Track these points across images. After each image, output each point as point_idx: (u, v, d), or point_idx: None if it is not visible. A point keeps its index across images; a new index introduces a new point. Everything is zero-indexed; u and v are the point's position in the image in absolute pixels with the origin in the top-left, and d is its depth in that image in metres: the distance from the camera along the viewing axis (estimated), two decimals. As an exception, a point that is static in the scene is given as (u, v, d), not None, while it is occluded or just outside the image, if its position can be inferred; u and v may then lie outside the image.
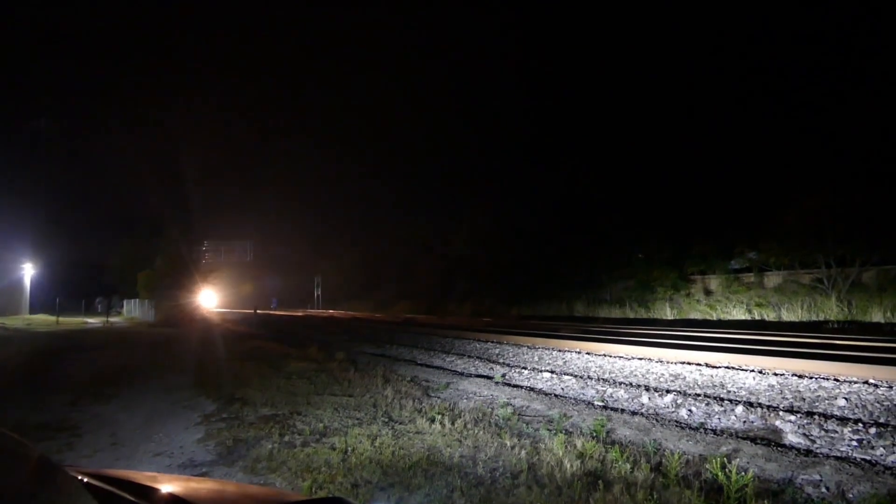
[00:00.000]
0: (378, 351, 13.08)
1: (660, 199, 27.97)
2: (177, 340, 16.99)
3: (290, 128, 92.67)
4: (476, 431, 5.02)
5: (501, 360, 10.59)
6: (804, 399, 6.36)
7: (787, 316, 17.75)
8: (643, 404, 6.59)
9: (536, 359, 10.58)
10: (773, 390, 6.84)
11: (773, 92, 30.30)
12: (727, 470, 3.60)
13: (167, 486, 1.52)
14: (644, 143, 34.10)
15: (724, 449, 4.56)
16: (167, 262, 29.92)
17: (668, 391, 6.98)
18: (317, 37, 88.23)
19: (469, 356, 11.31)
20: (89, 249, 44.46)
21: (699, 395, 6.76)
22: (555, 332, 14.71)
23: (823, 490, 3.73)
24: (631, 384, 7.64)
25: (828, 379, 7.04)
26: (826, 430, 5.04)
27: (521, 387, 7.91)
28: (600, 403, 6.67)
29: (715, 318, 19.59)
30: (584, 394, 7.38)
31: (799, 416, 5.49)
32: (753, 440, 4.83)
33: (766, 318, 18.18)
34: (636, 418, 5.71)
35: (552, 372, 8.87)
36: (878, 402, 5.98)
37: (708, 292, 22.72)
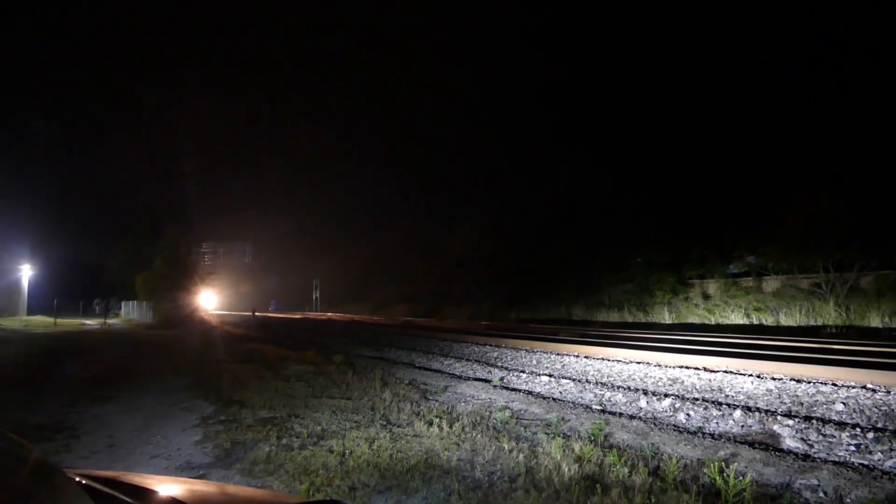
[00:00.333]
0: (376, 354, 13.07)
1: (658, 203, 28.01)
2: (175, 342, 16.97)
3: (289, 131, 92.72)
4: (474, 435, 5.01)
5: (500, 364, 10.58)
6: (802, 403, 6.36)
7: (785, 320, 17.76)
8: (641, 408, 6.59)
9: (535, 362, 10.58)
10: (771, 395, 6.85)
11: (771, 95, 30.38)
12: (725, 474, 3.60)
13: (164, 488, 1.52)
14: (643, 147, 34.18)
15: (722, 453, 4.56)
16: (166, 263, 29.90)
17: (666, 395, 6.98)
18: (316, 39, 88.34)
19: (467, 359, 11.30)
20: (87, 251, 44.39)
21: (697, 399, 6.76)
22: (553, 336, 14.71)
23: (821, 494, 3.73)
24: (629, 388, 7.65)
25: (826, 383, 7.05)
26: (824, 435, 5.05)
27: (520, 390, 7.90)
28: (598, 407, 6.67)
29: (713, 323, 19.59)
30: (582, 397, 7.37)
31: (797, 420, 5.49)
32: (751, 444, 4.83)
33: (765, 323, 18.18)
34: (634, 422, 5.71)
35: (550, 375, 8.87)
36: (875, 407, 5.98)
37: (706, 296, 22.72)
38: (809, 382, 7.15)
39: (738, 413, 5.89)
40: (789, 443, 4.96)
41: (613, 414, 6.23)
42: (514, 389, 7.97)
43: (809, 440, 4.97)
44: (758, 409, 6.05)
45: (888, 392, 6.46)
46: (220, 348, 14.56)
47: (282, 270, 66.29)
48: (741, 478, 3.61)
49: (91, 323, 29.00)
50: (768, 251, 20.35)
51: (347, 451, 4.48)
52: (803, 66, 29.59)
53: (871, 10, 27.34)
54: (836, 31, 28.54)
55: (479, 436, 4.98)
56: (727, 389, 7.35)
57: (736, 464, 4.26)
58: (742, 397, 6.88)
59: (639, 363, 9.61)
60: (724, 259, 23.07)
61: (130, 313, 34.31)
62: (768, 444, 4.92)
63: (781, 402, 6.48)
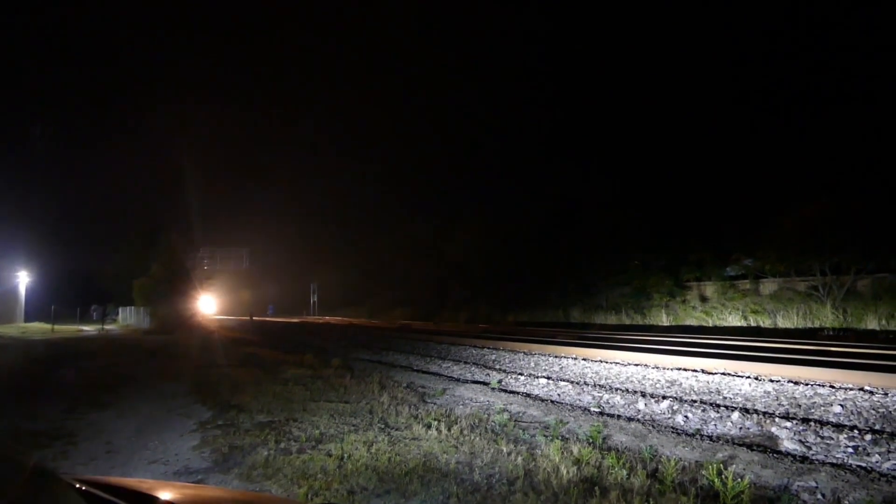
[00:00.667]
0: (374, 357, 13.05)
1: (656, 206, 28.07)
2: (172, 347, 16.92)
3: (286, 135, 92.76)
4: (472, 437, 5.01)
5: (498, 367, 10.58)
6: (800, 406, 6.37)
7: (782, 323, 17.78)
8: (639, 410, 6.59)
9: (533, 365, 10.58)
10: (768, 397, 6.86)
11: (769, 99, 30.51)
12: (723, 476, 3.61)
13: (162, 494, 1.52)
14: (640, 150, 34.28)
15: (720, 455, 4.56)
16: (163, 268, 29.81)
17: (664, 397, 6.99)
18: (313, 42, 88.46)
19: (465, 362, 11.30)
20: (85, 257, 44.37)
21: (695, 401, 6.77)
22: (551, 339, 14.70)
23: (819, 497, 3.73)
24: (627, 390, 7.65)
25: (823, 386, 7.07)
26: (822, 437, 5.06)
27: (518, 393, 7.90)
28: (597, 409, 6.67)
29: (711, 325, 19.60)
30: (580, 400, 7.37)
31: (795, 422, 5.50)
32: (749, 446, 4.84)
33: (762, 325, 18.20)
34: (632, 424, 5.71)
35: (548, 378, 8.87)
36: (873, 409, 6.00)
37: (704, 299, 22.74)
38: (807, 384, 7.17)
39: (736, 415, 5.90)
40: (787, 445, 4.96)
41: (612, 416, 6.23)
42: (512, 392, 7.96)
43: (807, 442, 4.98)
44: (756, 411, 6.05)
45: (886, 394, 6.47)
46: (218, 353, 14.52)
47: (280, 275, 66.19)
48: (739, 480, 3.61)
49: (88, 329, 28.91)
50: (765, 254, 20.41)
51: (346, 455, 4.48)
52: (801, 71, 29.73)
53: (869, 13, 27.48)
54: (834, 35, 28.69)
55: (477, 438, 4.98)
56: (725, 391, 7.36)
57: (734, 466, 4.27)
58: (740, 399, 6.89)
59: (637, 365, 9.61)
60: (722, 262, 23.12)
61: (128, 319, 34.22)
62: (766, 446, 4.93)
63: (779, 404, 6.49)
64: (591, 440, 5.06)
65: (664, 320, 21.81)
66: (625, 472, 3.95)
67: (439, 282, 40.07)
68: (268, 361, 11.61)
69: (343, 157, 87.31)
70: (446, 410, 6.51)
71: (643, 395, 7.24)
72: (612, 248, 27.77)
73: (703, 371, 8.68)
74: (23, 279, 36.72)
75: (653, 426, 5.65)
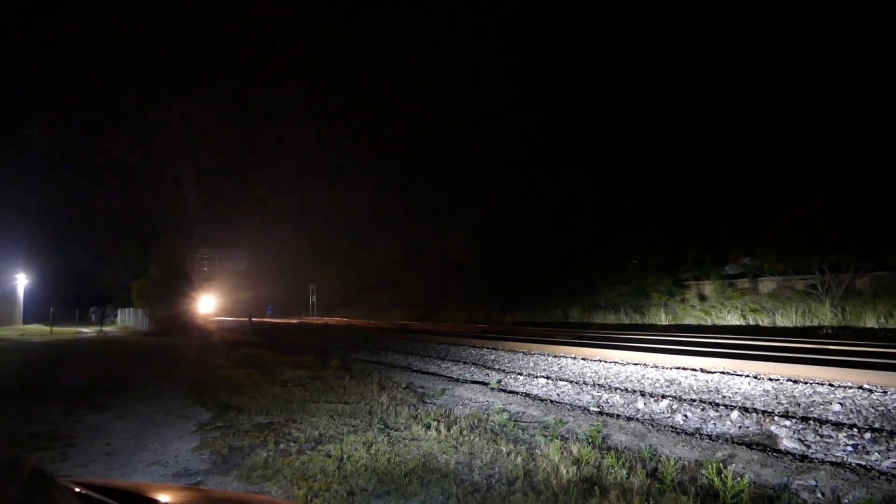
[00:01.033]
0: (373, 358, 13.05)
1: (655, 205, 28.10)
2: (171, 349, 16.91)
3: (285, 135, 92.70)
4: (472, 438, 5.01)
5: (497, 367, 10.58)
6: (799, 404, 6.38)
7: (781, 321, 17.81)
8: (639, 410, 6.59)
9: (532, 365, 10.58)
10: (768, 395, 6.86)
11: (767, 98, 30.54)
12: (723, 475, 3.61)
13: (161, 496, 1.51)
14: (638, 150, 34.29)
15: (719, 454, 4.56)
16: (162, 270, 29.80)
17: (663, 396, 6.99)
18: (313, 44, 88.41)
19: (464, 362, 11.29)
20: (83, 258, 44.31)
21: (694, 400, 6.77)
22: (550, 338, 14.71)
23: (819, 495, 3.73)
24: (626, 389, 7.65)
25: (822, 384, 7.07)
26: (821, 436, 5.06)
27: (517, 393, 7.90)
28: (596, 409, 6.67)
29: (710, 324, 19.63)
30: (579, 399, 7.37)
31: (794, 421, 5.50)
32: (749, 445, 4.84)
33: (761, 324, 18.23)
34: (632, 424, 5.71)
35: (548, 378, 8.87)
36: (872, 408, 6.00)
37: (702, 298, 22.77)
38: (806, 383, 7.17)
39: (735, 414, 5.90)
40: (787, 443, 4.97)
41: (611, 416, 6.22)
42: (511, 392, 7.96)
43: (807, 441, 4.98)
44: (755, 410, 6.05)
45: (885, 392, 6.48)
46: (217, 354, 14.50)
47: (278, 276, 66.12)
48: (739, 479, 3.61)
49: (87, 331, 28.86)
50: (764, 253, 20.43)
51: (345, 456, 4.47)
52: (798, 69, 29.76)
53: (867, 14, 27.52)
54: (831, 34, 28.72)
55: (476, 439, 4.97)
56: (724, 390, 7.36)
57: (734, 465, 4.27)
58: (739, 398, 6.89)
59: (636, 365, 9.62)
60: (720, 261, 23.14)
61: (127, 321, 34.18)
62: (766, 445, 4.93)
63: (778, 403, 6.49)
64: (590, 440, 5.06)
65: (663, 319, 21.83)
66: (624, 472, 3.95)
67: (439, 282, 40.10)
68: (267, 362, 11.60)
69: (342, 158, 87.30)
70: (446, 411, 6.50)
71: (642, 394, 7.24)
72: (611, 247, 27.81)
73: (702, 370, 8.69)
74: (21, 281, 36.65)
75: (652, 425, 5.65)
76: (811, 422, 5.45)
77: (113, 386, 8.85)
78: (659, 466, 4.21)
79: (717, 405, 6.38)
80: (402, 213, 63.26)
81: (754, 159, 26.63)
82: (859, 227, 17.58)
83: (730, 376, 8.04)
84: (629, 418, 6.11)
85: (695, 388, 7.61)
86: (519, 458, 4.32)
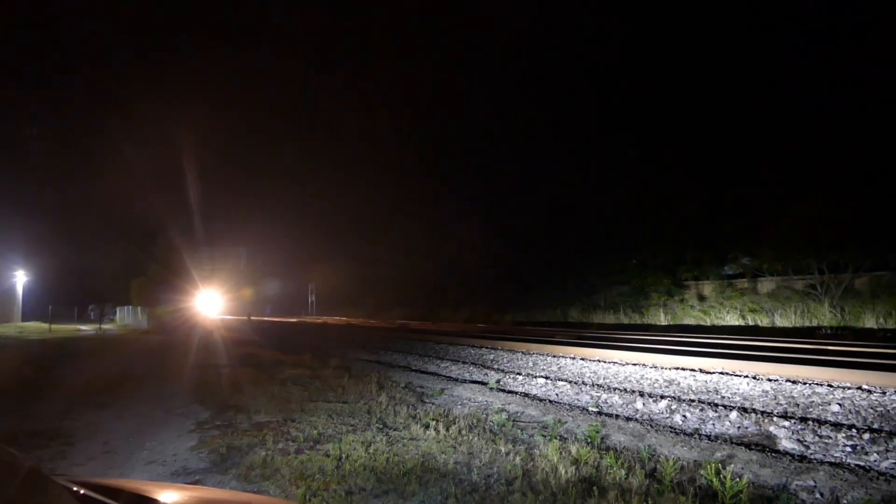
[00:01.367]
0: (372, 357, 13.04)
1: (654, 205, 28.10)
2: (170, 347, 16.89)
3: (284, 134, 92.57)
4: (471, 437, 5.01)
5: (496, 366, 10.58)
6: (798, 405, 6.38)
7: (780, 322, 17.81)
8: (638, 410, 6.59)
9: (531, 364, 10.58)
10: (767, 396, 6.86)
11: (765, 98, 30.54)
12: (722, 476, 3.61)
13: (159, 495, 1.51)
14: (638, 149, 34.29)
15: (718, 455, 4.56)
16: (161, 268, 29.82)
17: (662, 397, 6.99)
18: (313, 44, 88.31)
19: (463, 362, 11.29)
20: (82, 256, 44.20)
21: (693, 400, 6.77)
22: (549, 338, 14.70)
23: (818, 496, 3.73)
24: (625, 390, 7.65)
25: (821, 384, 7.07)
26: (820, 436, 5.06)
27: (516, 392, 7.90)
28: (595, 409, 6.67)
29: (709, 324, 19.63)
30: (578, 399, 7.37)
31: (793, 421, 5.50)
32: (748, 446, 4.84)
33: (760, 324, 18.23)
34: (631, 424, 5.71)
35: (547, 378, 8.87)
36: (871, 408, 6.00)
37: (702, 298, 22.77)
38: (805, 383, 7.17)
39: (734, 414, 5.90)
40: (786, 444, 4.97)
41: (610, 416, 6.22)
42: (510, 392, 7.96)
43: (806, 441, 4.98)
44: (754, 411, 6.05)
45: (884, 393, 6.48)
46: (216, 353, 14.50)
47: (278, 275, 66.05)
48: (738, 479, 3.61)
49: (86, 329, 28.85)
50: (763, 253, 20.44)
51: (344, 455, 4.47)
52: (797, 69, 29.77)
53: (866, 15, 27.54)
54: (830, 34, 28.73)
55: (475, 438, 4.97)
56: (723, 391, 7.36)
57: (732, 465, 4.27)
58: (738, 398, 6.89)
59: (635, 365, 9.62)
60: (720, 261, 23.15)
61: (125, 319, 34.18)
62: (765, 446, 4.93)
63: (777, 404, 6.49)
64: (589, 440, 5.06)
65: (662, 319, 21.83)
66: (623, 472, 3.95)
67: (438, 282, 40.10)
68: (265, 361, 11.60)
69: (342, 158, 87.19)
70: (444, 410, 6.50)
71: (641, 394, 7.24)
72: (610, 247, 27.82)
73: (701, 370, 8.69)
74: (20, 279, 36.66)
75: (651, 426, 5.65)
76: (810, 422, 5.45)
77: (111, 384, 8.84)
78: (658, 467, 4.21)
79: (716, 405, 6.38)
80: (402, 211, 63.20)
81: (754, 159, 26.64)
82: (859, 227, 17.58)
83: (729, 377, 8.04)
84: (628, 418, 6.11)
85: (694, 389, 7.61)
86: (517, 458, 4.32)
